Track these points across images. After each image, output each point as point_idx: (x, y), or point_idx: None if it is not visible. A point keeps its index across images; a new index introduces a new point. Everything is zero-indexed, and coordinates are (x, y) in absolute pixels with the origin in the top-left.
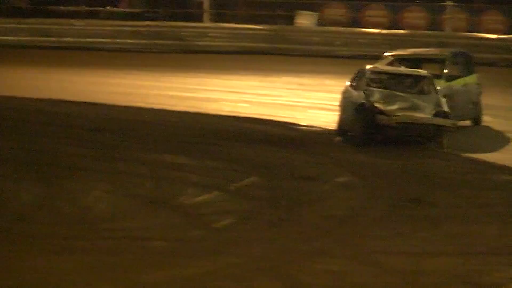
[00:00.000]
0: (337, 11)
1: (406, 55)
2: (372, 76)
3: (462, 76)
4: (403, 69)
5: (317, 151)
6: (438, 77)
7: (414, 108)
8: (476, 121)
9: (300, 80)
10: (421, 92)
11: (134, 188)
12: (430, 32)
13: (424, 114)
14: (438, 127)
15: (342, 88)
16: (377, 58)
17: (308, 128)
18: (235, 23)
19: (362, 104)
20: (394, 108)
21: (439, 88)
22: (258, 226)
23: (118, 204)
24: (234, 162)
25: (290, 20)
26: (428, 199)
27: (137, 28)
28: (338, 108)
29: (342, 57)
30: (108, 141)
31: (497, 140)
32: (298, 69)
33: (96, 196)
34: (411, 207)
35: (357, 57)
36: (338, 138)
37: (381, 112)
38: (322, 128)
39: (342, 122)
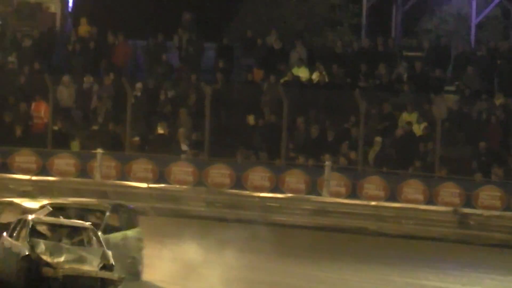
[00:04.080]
0: None
1: (64, 204)
2: (36, 227)
3: (122, 229)
4: (66, 221)
5: None
6: (96, 228)
7: (81, 260)
8: (136, 276)
9: None
10: (87, 244)
11: None
12: (79, 179)
13: (91, 267)
14: (104, 280)
15: None
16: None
17: None
18: None
19: (27, 256)
20: (61, 260)
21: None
22: None
23: None
24: None
25: None
26: None
27: None
28: None
29: None
30: None
31: None
32: None
33: None
34: None
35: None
36: None
37: (47, 264)
38: None
39: None
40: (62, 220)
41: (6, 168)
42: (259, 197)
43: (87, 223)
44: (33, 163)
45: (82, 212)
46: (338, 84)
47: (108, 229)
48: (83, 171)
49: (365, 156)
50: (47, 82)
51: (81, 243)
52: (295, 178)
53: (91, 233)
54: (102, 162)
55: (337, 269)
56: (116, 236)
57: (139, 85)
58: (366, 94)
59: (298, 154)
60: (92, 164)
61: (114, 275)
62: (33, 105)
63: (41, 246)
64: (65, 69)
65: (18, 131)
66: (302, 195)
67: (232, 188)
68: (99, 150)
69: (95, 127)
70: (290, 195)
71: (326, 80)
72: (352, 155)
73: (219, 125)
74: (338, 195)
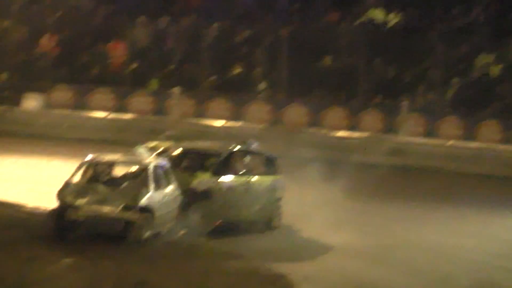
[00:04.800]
0: (64, 95)
1: (192, 147)
2: (87, 166)
3: (248, 175)
4: (122, 157)
5: (41, 232)
6: (206, 169)
7: (102, 201)
8: (267, 223)
9: (27, 161)
10: (126, 182)
11: None
12: (157, 117)
13: (111, 208)
14: (128, 221)
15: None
16: (104, 141)
17: (33, 209)
18: None
19: (57, 196)
20: (83, 202)
21: (199, 180)
22: None
23: None
24: None
25: (17, 102)
26: (153, 282)
27: None
28: None
29: (70, 139)
30: None
31: None
32: (25, 149)
33: None
34: None
35: (85, 140)
36: None
37: (71, 206)
38: (47, 208)
39: None
40: (117, 157)
41: (85, 107)
42: (336, 136)
43: (146, 160)
44: (111, 101)
45: (205, 155)
46: (415, 26)
47: (218, 171)
48: (160, 110)
49: (442, 97)
50: (123, 22)
51: (123, 182)
52: (372, 118)
53: (144, 172)
54: (179, 101)
55: (414, 207)
56: (233, 180)
57: (215, 25)
58: (443, 36)
59: (374, 94)
60: (169, 102)
61: (134, 216)
62: (110, 44)
63: (71, 187)
64: (141, 9)
65: (96, 71)
66: (379, 134)
67: (309, 127)
68: (176, 89)
69: (171, 67)
70: (367, 134)
71: (402, 22)
72: (429, 95)
73: (296, 65)
74: (415, 135)
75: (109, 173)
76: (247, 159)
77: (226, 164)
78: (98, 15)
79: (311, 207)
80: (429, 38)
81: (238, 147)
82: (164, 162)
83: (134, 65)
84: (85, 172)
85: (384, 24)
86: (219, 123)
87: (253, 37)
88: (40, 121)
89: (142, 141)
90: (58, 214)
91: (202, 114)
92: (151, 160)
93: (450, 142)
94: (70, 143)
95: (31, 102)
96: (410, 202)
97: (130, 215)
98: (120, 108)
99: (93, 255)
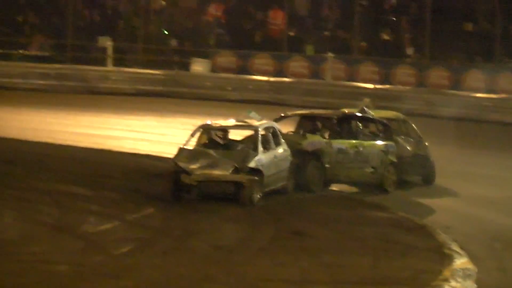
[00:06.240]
0: (228, 59)
1: (312, 113)
2: (200, 133)
3: (357, 138)
4: (233, 124)
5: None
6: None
7: (213, 165)
8: (380, 187)
9: (194, 121)
10: (236, 146)
11: (41, 216)
12: (312, 80)
13: (221, 171)
14: (238, 183)
15: None
16: (265, 103)
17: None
18: (136, 68)
19: (173, 163)
20: (195, 166)
21: (308, 141)
22: (153, 253)
23: (25, 230)
24: (133, 195)
25: (185, 66)
26: (308, 232)
27: (46, 70)
28: None
29: (233, 101)
30: (18, 173)
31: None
32: (192, 111)
33: (5, 222)
34: (292, 239)
35: (246, 101)
36: None
37: (184, 171)
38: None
39: None
40: (230, 123)
41: (246, 70)
42: (475, 97)
43: (255, 124)
44: (271, 65)
45: (319, 120)
46: None
47: (339, 136)
48: (315, 73)
49: None
50: None
51: (232, 147)
52: (508, 80)
53: (254, 135)
54: (332, 65)
55: None
56: (344, 142)
57: None
58: None
59: (510, 58)
60: (323, 67)
61: (243, 178)
62: (271, 13)
63: (184, 152)
64: None
65: (257, 37)
66: None
67: (450, 89)
68: (330, 54)
69: (326, 33)
70: (503, 95)
71: None
72: None
73: (439, 31)
74: None
75: (222, 138)
76: (361, 124)
77: (337, 128)
78: None
79: (448, 162)
80: None
81: (352, 113)
82: (273, 124)
83: (292, 32)
84: (199, 138)
85: None
86: (369, 85)
87: (400, 6)
88: (206, 84)
89: (299, 101)
90: (174, 178)
91: (353, 78)
92: (261, 124)
93: None
94: (232, 104)
95: (199, 67)
96: None
97: (239, 177)
98: (279, 72)
99: (252, 208)
